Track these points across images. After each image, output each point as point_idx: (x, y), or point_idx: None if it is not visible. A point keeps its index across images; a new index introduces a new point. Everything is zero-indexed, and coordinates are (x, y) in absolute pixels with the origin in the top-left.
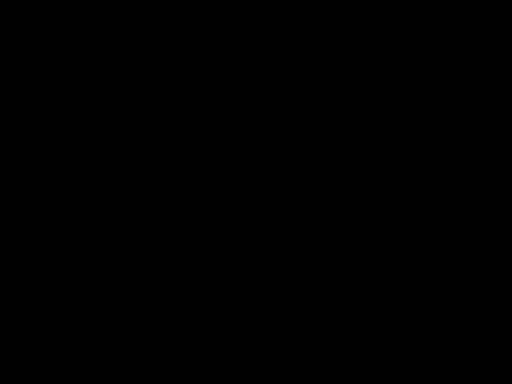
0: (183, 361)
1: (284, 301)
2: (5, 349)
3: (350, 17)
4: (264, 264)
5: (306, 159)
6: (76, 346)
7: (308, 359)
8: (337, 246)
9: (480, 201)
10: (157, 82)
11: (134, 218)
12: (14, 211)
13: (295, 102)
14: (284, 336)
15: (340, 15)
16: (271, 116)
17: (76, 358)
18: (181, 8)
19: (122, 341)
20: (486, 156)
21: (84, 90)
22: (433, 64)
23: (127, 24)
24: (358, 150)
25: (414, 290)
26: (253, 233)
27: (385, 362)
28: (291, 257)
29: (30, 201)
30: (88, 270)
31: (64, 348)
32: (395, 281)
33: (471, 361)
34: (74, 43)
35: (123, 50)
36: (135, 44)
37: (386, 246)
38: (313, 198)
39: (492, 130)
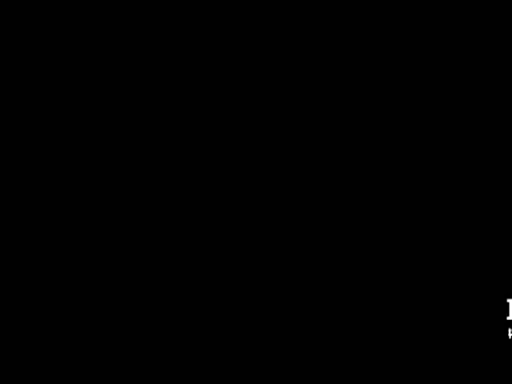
0: (183, 361)
1: (284, 301)
2: (5, 349)
3: (350, 17)
4: (264, 264)
5: (306, 159)
6: (76, 346)
7: (308, 359)
8: (337, 246)
9: (480, 201)
10: (156, 82)
11: (133, 217)
12: (13, 211)
13: (295, 102)
14: (284, 336)
15: (340, 15)
16: (271, 116)
17: (76, 358)
18: (181, 8)
19: (122, 341)
20: (486, 156)
21: (84, 89)
22: (433, 64)
23: (127, 24)
24: (357, 150)
25: (414, 289)
26: (252, 233)
27: (385, 362)
28: (291, 257)
29: (29, 201)
30: (88, 270)
31: (64, 348)
32: (395, 281)
33: (471, 361)
34: (74, 43)
35: (123, 50)
36: (135, 44)
37: (385, 245)
38: (313, 198)
39: (492, 130)
